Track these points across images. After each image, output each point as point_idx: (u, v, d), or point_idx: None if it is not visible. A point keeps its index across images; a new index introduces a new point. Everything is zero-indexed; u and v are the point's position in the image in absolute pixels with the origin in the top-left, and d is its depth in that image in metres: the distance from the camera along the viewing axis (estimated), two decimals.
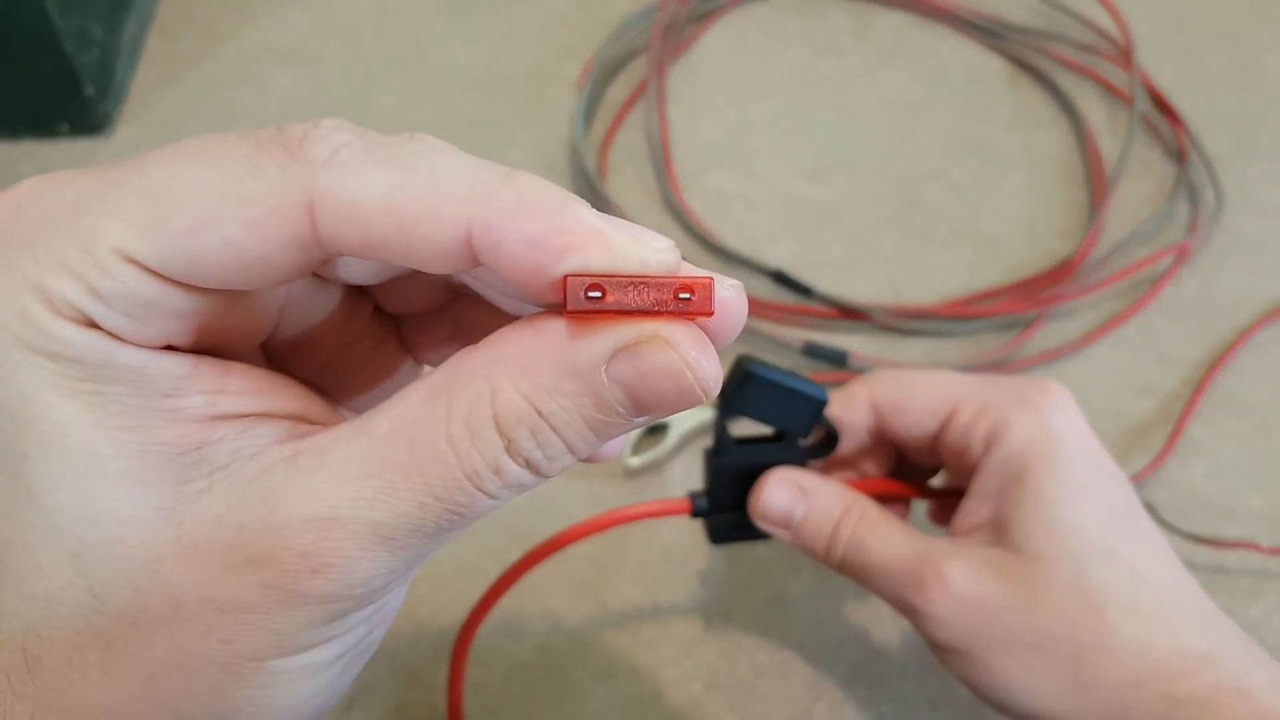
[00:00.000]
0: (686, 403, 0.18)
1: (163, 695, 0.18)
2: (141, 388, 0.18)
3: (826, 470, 0.35)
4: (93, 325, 0.17)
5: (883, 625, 0.39)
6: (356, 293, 0.23)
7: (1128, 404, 0.46)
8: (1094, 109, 0.58)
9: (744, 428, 0.33)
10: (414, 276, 0.23)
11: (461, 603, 0.35)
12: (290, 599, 0.18)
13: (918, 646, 0.38)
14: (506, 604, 0.35)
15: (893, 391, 0.33)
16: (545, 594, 0.39)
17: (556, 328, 0.17)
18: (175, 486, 0.18)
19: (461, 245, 0.17)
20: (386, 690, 0.37)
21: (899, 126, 0.57)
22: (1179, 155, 0.55)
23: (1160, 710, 0.27)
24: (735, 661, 0.38)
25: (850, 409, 0.34)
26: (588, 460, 0.21)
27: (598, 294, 0.17)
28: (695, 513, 0.34)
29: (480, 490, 0.18)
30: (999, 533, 0.30)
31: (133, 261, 0.17)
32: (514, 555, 0.33)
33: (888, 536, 0.31)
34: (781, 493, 0.32)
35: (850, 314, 0.48)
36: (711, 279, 0.18)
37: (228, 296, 0.18)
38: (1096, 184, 0.54)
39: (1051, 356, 0.47)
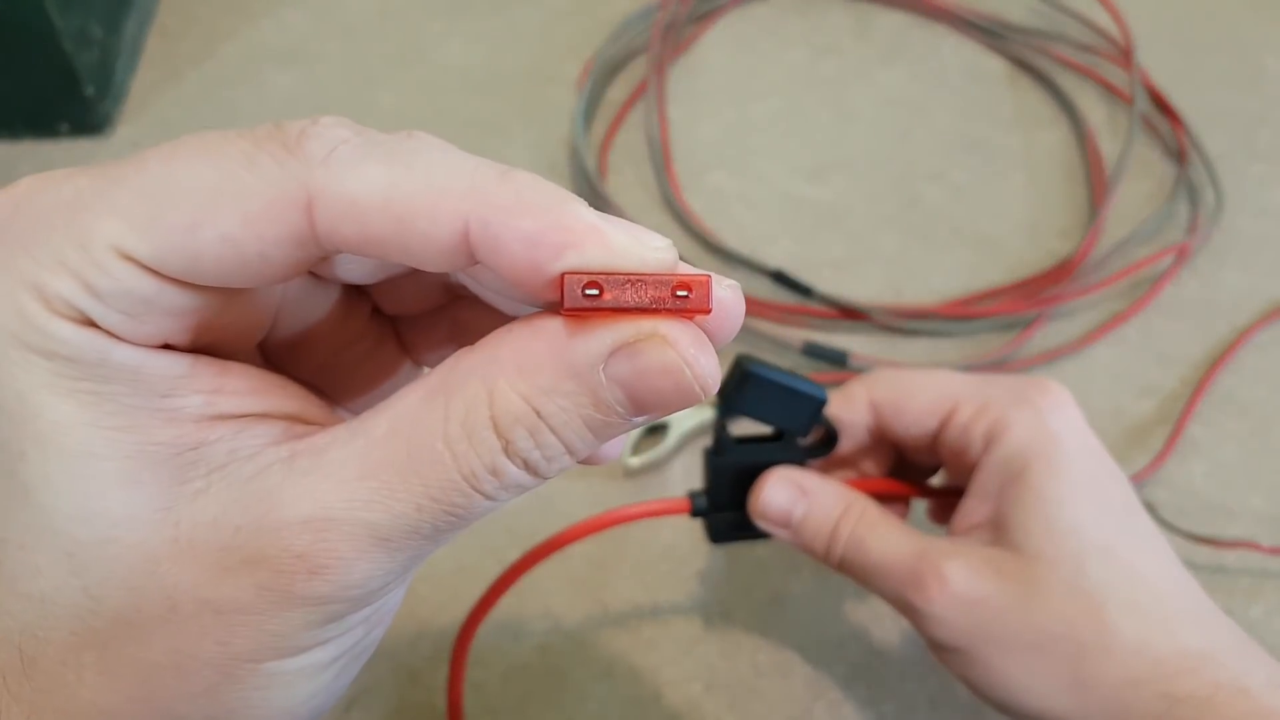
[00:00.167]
0: (685, 401, 0.18)
1: (159, 697, 0.18)
2: (138, 387, 0.18)
3: (826, 470, 0.35)
4: (90, 324, 0.17)
5: (882, 625, 0.39)
6: (354, 293, 0.23)
7: (1128, 404, 0.46)
8: (1094, 109, 0.58)
9: (744, 427, 0.33)
10: (412, 277, 0.22)
11: (461, 603, 0.35)
12: (286, 600, 0.18)
13: (917, 646, 0.38)
14: (506, 604, 0.35)
15: (892, 391, 0.33)
16: (545, 594, 0.39)
17: (554, 327, 0.17)
18: (171, 487, 0.18)
19: (459, 242, 0.17)
20: (386, 690, 0.37)
21: (899, 126, 0.57)
22: (1179, 155, 0.55)
23: (1160, 709, 0.27)
24: (735, 661, 0.38)
25: (850, 408, 0.33)
26: (587, 463, 0.21)
27: (595, 291, 0.17)
28: (695, 512, 0.34)
29: (478, 492, 0.18)
30: (998, 532, 0.30)
31: (130, 259, 0.17)
32: (514, 555, 0.33)
33: (887, 536, 0.31)
34: (781, 492, 0.32)
35: (850, 314, 0.48)
36: (709, 276, 0.17)
37: (225, 295, 0.18)
38: (1096, 184, 0.54)
39: (1051, 356, 0.47)
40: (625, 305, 0.17)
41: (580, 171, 0.53)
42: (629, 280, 0.17)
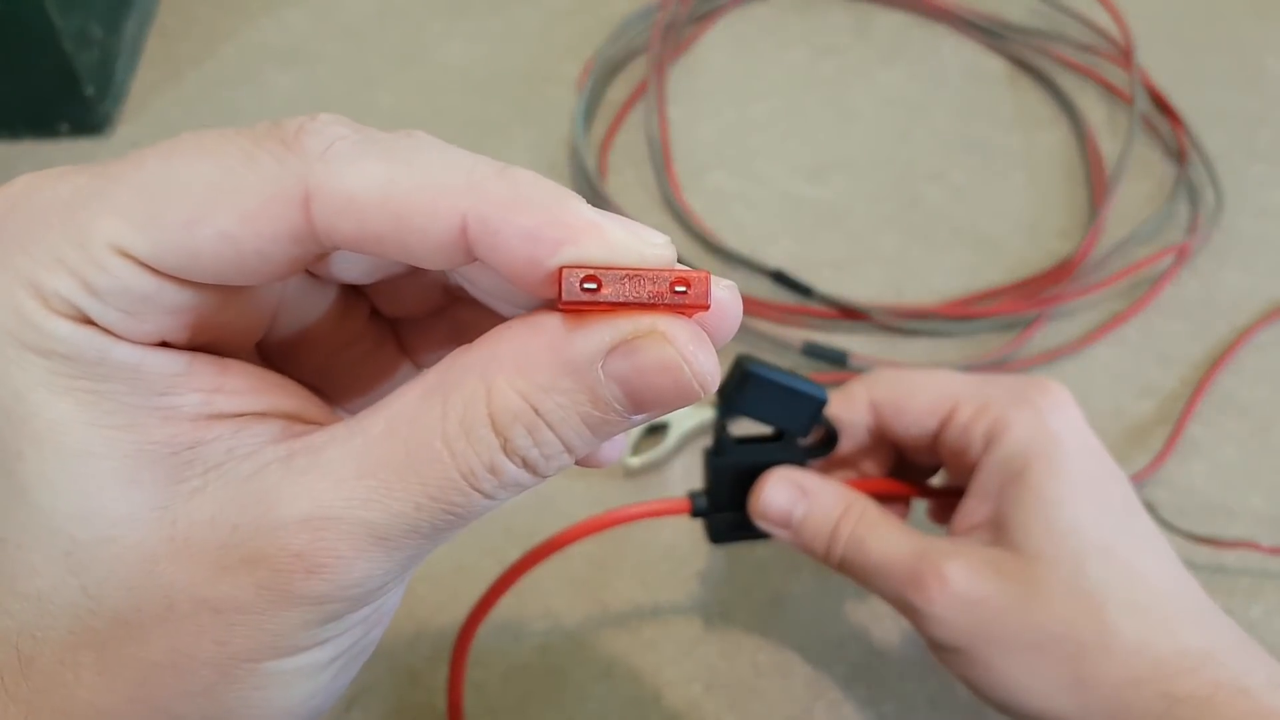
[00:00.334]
0: (684, 399, 0.18)
1: (157, 696, 0.18)
2: (136, 385, 0.18)
3: (826, 470, 0.35)
4: (88, 322, 0.17)
5: (882, 625, 0.39)
6: (353, 294, 0.23)
7: (1128, 404, 0.46)
8: (1094, 109, 0.58)
9: (744, 427, 0.33)
10: (410, 278, 0.22)
11: (461, 603, 0.35)
12: (285, 600, 0.17)
13: (917, 646, 0.38)
14: (506, 604, 0.35)
15: (892, 391, 0.33)
16: (545, 594, 0.39)
17: (553, 324, 0.17)
18: (169, 486, 0.18)
19: (457, 238, 0.17)
20: (386, 690, 0.37)
21: (899, 126, 0.57)
22: (1179, 155, 0.55)
23: (1160, 709, 0.27)
24: (735, 661, 0.38)
25: (850, 408, 0.33)
26: (588, 464, 0.21)
27: (593, 286, 0.17)
28: (695, 512, 0.34)
29: (476, 490, 0.18)
30: (998, 532, 0.30)
31: (128, 256, 0.17)
32: (513, 555, 0.33)
33: (887, 536, 0.31)
34: (781, 492, 0.32)
35: (850, 314, 0.48)
36: (708, 273, 0.17)
37: (223, 293, 0.18)
38: (1096, 184, 0.54)
39: (1051, 356, 0.47)
40: (623, 300, 0.17)
41: (580, 171, 0.53)
42: (627, 275, 0.17)
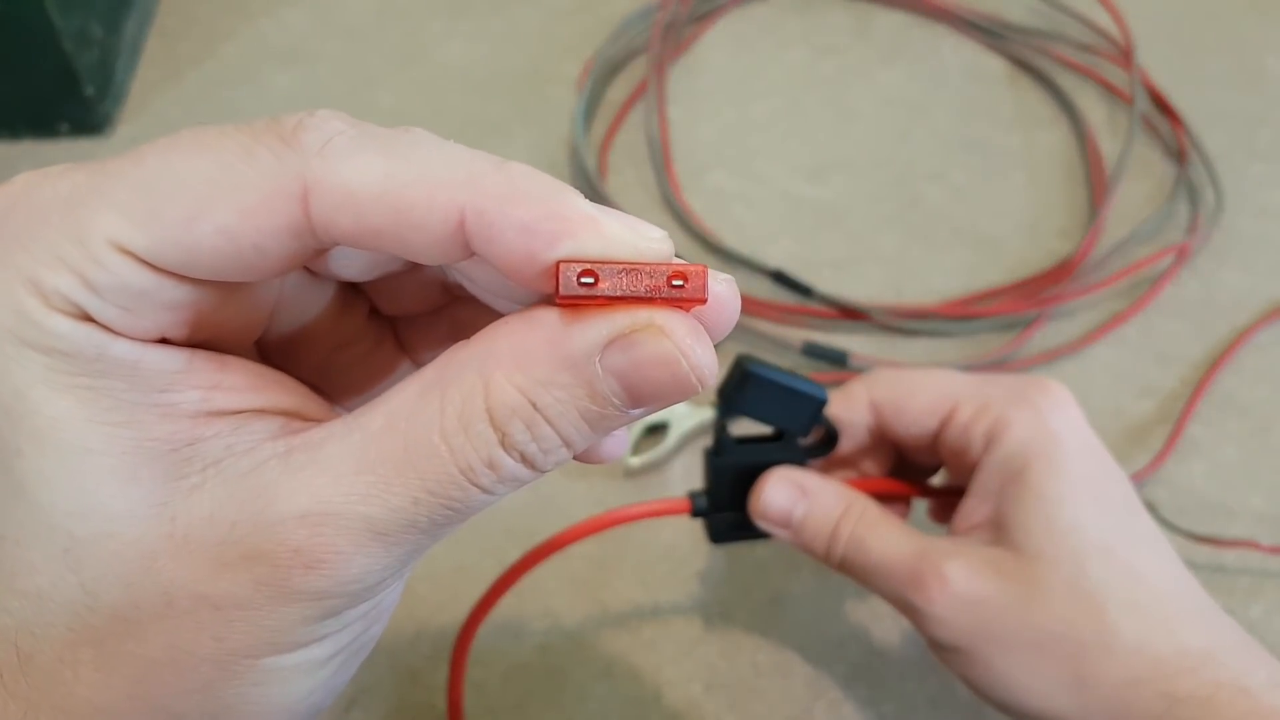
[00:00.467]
0: (682, 392, 0.17)
1: (156, 693, 0.18)
2: (135, 382, 0.18)
3: (826, 470, 0.35)
4: (87, 318, 0.17)
5: (883, 625, 0.39)
6: (351, 292, 0.23)
7: (1128, 404, 0.46)
8: (1094, 109, 0.58)
9: (744, 427, 0.33)
10: (408, 275, 0.22)
11: (461, 602, 0.35)
12: (284, 595, 0.17)
13: (918, 646, 0.38)
14: (506, 604, 0.35)
15: (892, 390, 0.33)
16: (545, 594, 0.39)
17: (550, 319, 0.17)
18: (168, 482, 0.18)
19: (454, 232, 0.17)
20: (386, 690, 0.37)
21: (899, 126, 0.57)
22: (1179, 155, 0.55)
23: (1160, 708, 0.27)
24: (735, 661, 0.38)
25: (850, 408, 0.33)
26: (589, 460, 0.21)
27: (590, 280, 0.17)
28: (695, 512, 0.34)
29: (475, 485, 0.18)
30: (999, 531, 0.30)
31: (127, 252, 0.17)
32: (514, 555, 0.33)
33: (887, 536, 0.31)
34: (781, 492, 0.32)
35: (850, 314, 0.48)
36: (705, 267, 0.17)
37: (222, 289, 0.18)
38: (1096, 184, 0.54)
39: (1051, 356, 0.47)
40: (620, 294, 0.17)
41: (580, 171, 0.53)
42: (624, 269, 0.17)
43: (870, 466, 0.35)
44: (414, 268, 0.22)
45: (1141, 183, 0.55)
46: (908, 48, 0.61)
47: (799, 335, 0.47)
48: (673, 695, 0.37)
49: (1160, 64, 0.59)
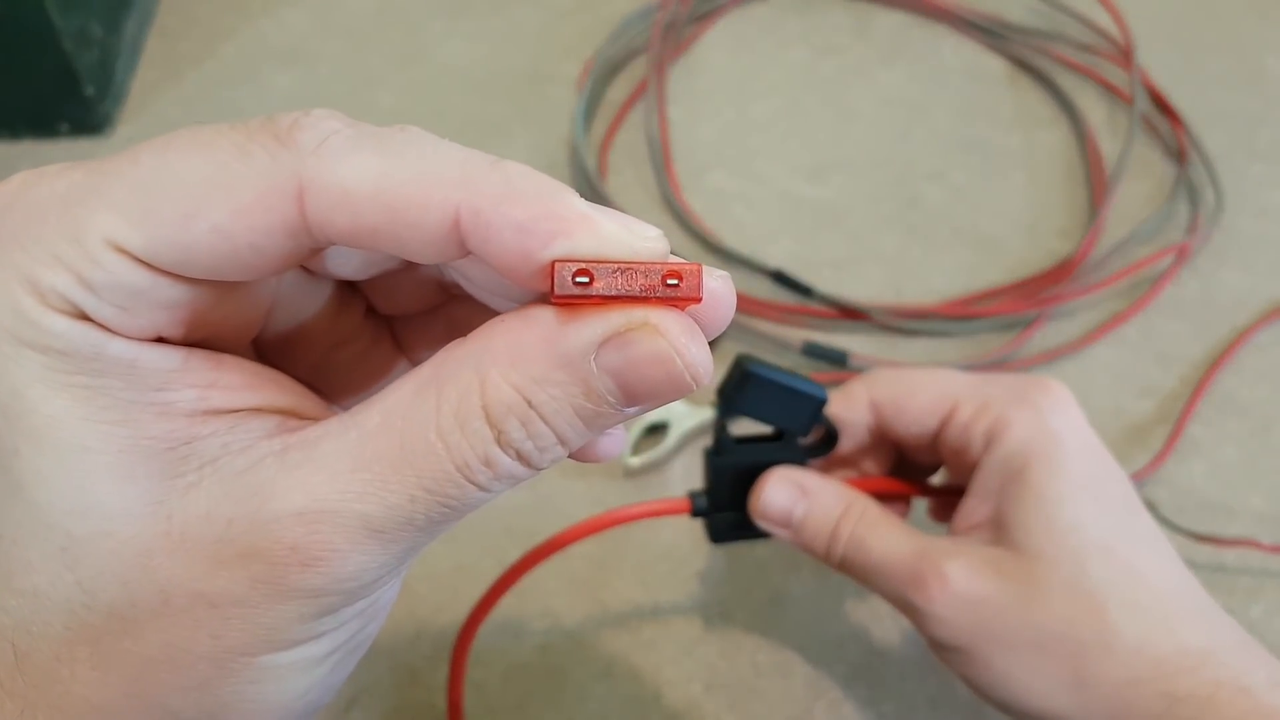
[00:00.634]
0: (677, 391, 0.18)
1: (152, 691, 0.18)
2: (132, 381, 0.18)
3: (826, 469, 0.35)
4: (84, 317, 0.17)
5: (882, 625, 0.39)
6: (348, 291, 0.23)
7: (1128, 404, 0.46)
8: (1094, 109, 0.58)
9: (744, 427, 0.33)
10: (405, 274, 0.22)
11: (461, 602, 0.35)
12: (280, 593, 0.18)
13: (918, 646, 0.38)
14: (506, 604, 0.35)
15: (892, 390, 0.33)
16: (545, 594, 0.39)
17: (546, 317, 0.17)
18: (164, 481, 0.18)
19: (450, 231, 0.17)
20: (386, 689, 0.37)
21: (899, 126, 0.57)
22: (1179, 155, 0.55)
23: (1160, 708, 0.27)
24: (735, 661, 0.38)
25: (850, 407, 0.33)
26: (586, 459, 0.21)
27: (585, 279, 0.17)
28: (695, 512, 0.34)
29: (471, 482, 0.18)
30: (999, 531, 0.30)
31: (123, 251, 0.17)
32: (514, 555, 0.33)
33: (888, 535, 0.31)
34: (781, 492, 0.32)
35: (850, 314, 0.48)
36: (700, 265, 0.17)
37: (219, 289, 0.18)
38: (1096, 184, 0.54)
39: (1051, 356, 0.47)
40: (615, 294, 0.17)
41: (580, 171, 0.53)
42: (619, 268, 0.17)
43: (870, 466, 0.35)
44: (410, 266, 0.22)
45: (1141, 183, 0.55)
46: (908, 48, 0.61)
47: (799, 335, 0.47)
48: (673, 695, 0.37)
49: (1160, 64, 0.59)
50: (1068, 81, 0.59)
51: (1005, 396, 0.31)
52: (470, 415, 0.17)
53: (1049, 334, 0.48)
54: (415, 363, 0.25)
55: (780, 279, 0.49)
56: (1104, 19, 0.61)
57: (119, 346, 0.17)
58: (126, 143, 0.54)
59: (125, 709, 0.18)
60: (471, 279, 0.21)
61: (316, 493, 0.17)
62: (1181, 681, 0.27)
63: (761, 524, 0.33)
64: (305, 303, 0.22)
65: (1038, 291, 0.49)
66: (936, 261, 0.51)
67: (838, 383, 0.37)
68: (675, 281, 0.17)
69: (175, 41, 0.59)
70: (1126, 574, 0.29)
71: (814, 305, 0.48)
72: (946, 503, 0.35)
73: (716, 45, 0.61)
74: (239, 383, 0.19)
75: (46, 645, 0.18)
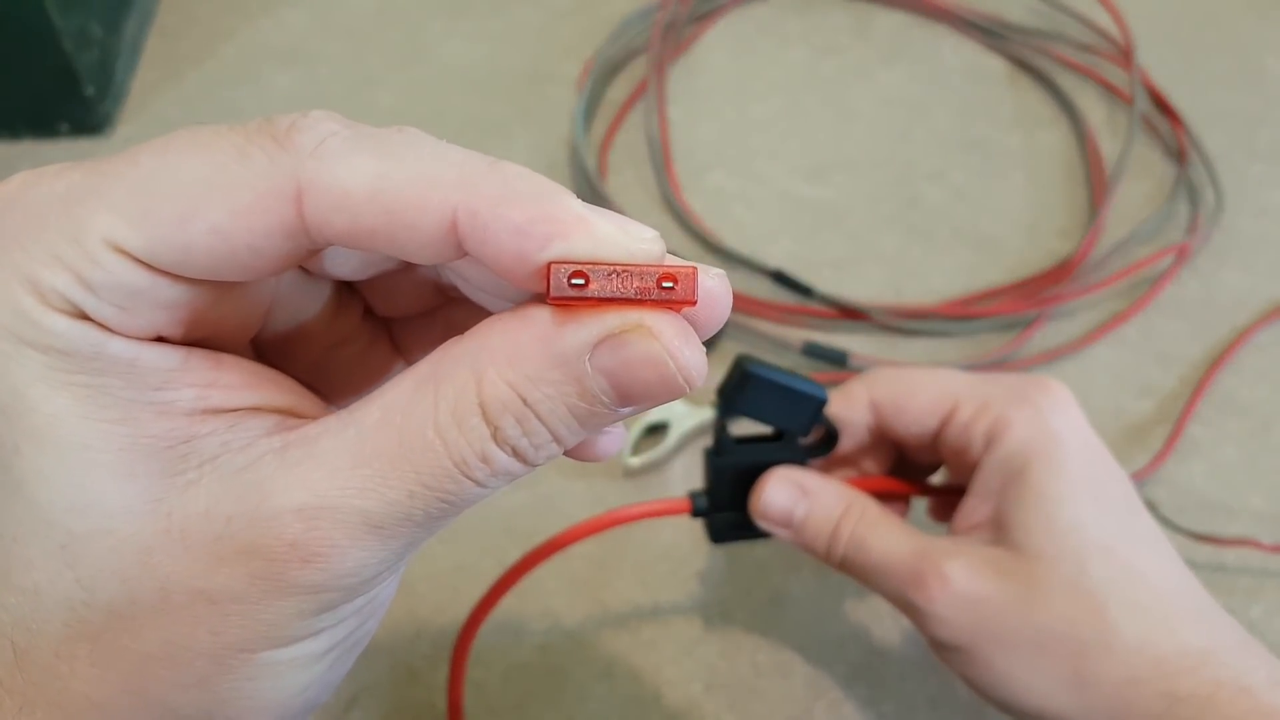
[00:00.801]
0: (670, 393, 0.18)
1: (151, 688, 0.18)
2: (132, 380, 0.18)
3: (826, 469, 0.35)
4: (84, 317, 0.17)
5: (883, 625, 0.39)
6: (347, 292, 0.23)
7: (1128, 404, 0.46)
8: (1094, 109, 0.58)
9: (744, 427, 0.33)
10: (403, 275, 0.23)
11: (461, 602, 0.35)
12: (279, 589, 0.18)
13: (918, 646, 0.38)
14: (506, 604, 0.35)
15: (892, 390, 0.33)
16: (545, 594, 0.39)
17: (542, 317, 0.18)
18: (164, 479, 0.18)
19: (447, 232, 0.17)
20: (387, 689, 0.37)
21: (899, 126, 0.57)
22: (1179, 155, 0.55)
23: (1160, 708, 0.27)
24: (735, 661, 0.38)
25: (850, 407, 0.33)
26: (585, 457, 0.21)
27: (581, 281, 0.17)
28: (695, 512, 0.34)
29: (469, 478, 0.18)
30: (999, 531, 0.30)
31: (122, 252, 0.17)
32: (514, 555, 0.33)
33: (888, 535, 0.31)
34: (782, 492, 0.32)
35: (850, 314, 0.48)
36: (695, 268, 0.18)
37: (218, 289, 0.18)
38: (1096, 184, 0.54)
39: (1051, 356, 0.47)
40: (610, 296, 0.17)
41: (580, 171, 0.53)
42: (615, 271, 0.17)
43: (870, 465, 0.35)
44: (408, 267, 0.22)
45: (1141, 183, 0.55)
46: (908, 48, 0.61)
47: (799, 335, 0.47)
48: (673, 695, 0.37)
49: (1160, 64, 0.59)
50: (1068, 81, 0.59)
51: (1006, 396, 0.31)
52: (467, 413, 0.17)
53: (1049, 334, 0.48)
54: (412, 364, 0.25)
55: (780, 279, 0.49)
56: (1104, 19, 0.61)
57: (119, 346, 0.18)
58: (126, 143, 0.54)
59: (124, 706, 0.18)
60: (469, 280, 0.21)
61: (316, 489, 0.17)
62: (1182, 681, 0.27)
63: (762, 524, 0.33)
64: (304, 303, 0.22)
65: (1038, 291, 0.49)
66: (936, 261, 0.51)
67: (838, 383, 0.37)
68: (670, 284, 0.17)
69: (175, 41, 0.59)
70: (1127, 574, 0.29)
71: (814, 305, 0.48)
72: (946, 502, 0.35)
73: (716, 45, 0.61)
74: (238, 382, 0.19)
75: (46, 643, 0.18)
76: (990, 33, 0.61)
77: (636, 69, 0.59)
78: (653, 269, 0.17)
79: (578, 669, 0.37)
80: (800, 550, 0.33)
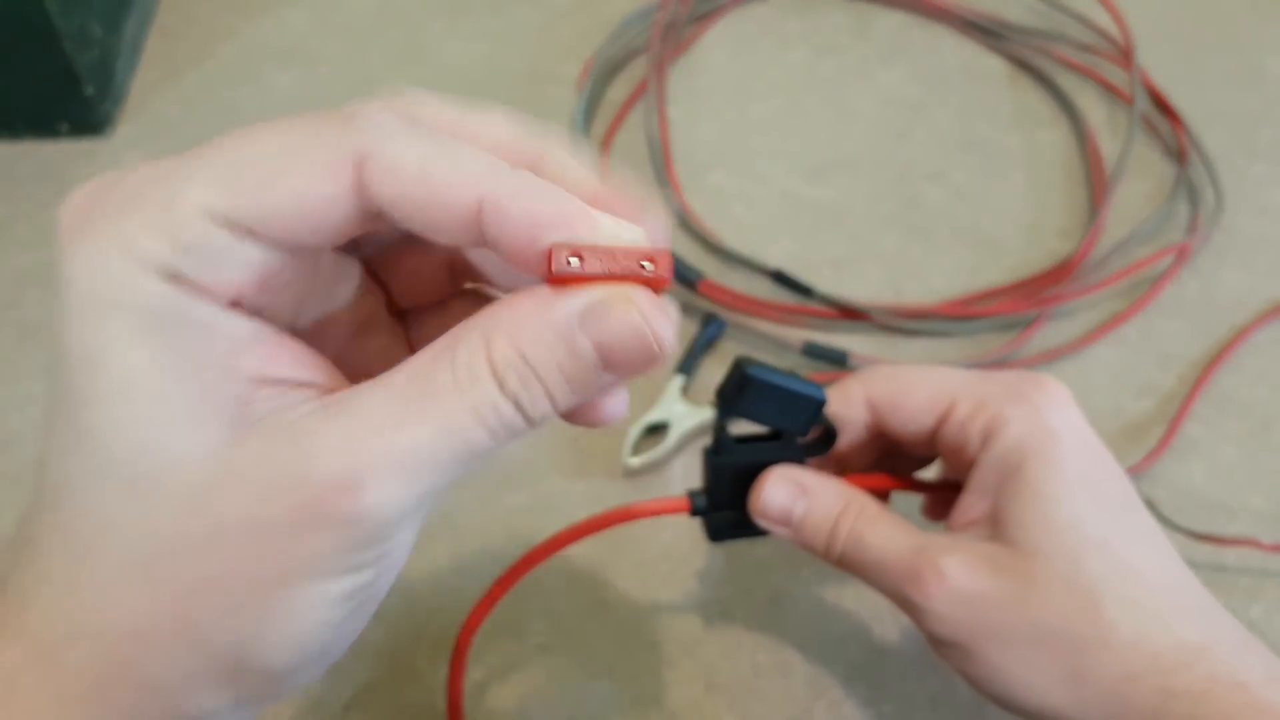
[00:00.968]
0: (645, 355, 0.21)
1: (193, 614, 0.20)
2: (207, 343, 0.20)
3: (823, 466, 0.35)
4: (174, 280, 0.20)
5: (883, 624, 0.39)
6: (371, 284, 0.26)
7: (1128, 403, 0.46)
8: (1094, 109, 0.58)
9: (743, 426, 0.33)
10: (422, 258, 0.26)
11: (461, 602, 0.35)
12: (319, 521, 0.20)
13: (918, 645, 0.38)
14: (506, 603, 0.35)
15: (889, 388, 0.33)
16: (545, 594, 0.39)
17: (542, 293, 0.21)
18: (224, 430, 0.20)
19: (473, 216, 0.20)
20: (387, 689, 0.37)
21: (899, 126, 0.57)
22: (1179, 155, 0.55)
23: (1156, 703, 0.27)
24: (735, 661, 0.38)
25: (847, 405, 0.34)
26: (590, 421, 0.24)
27: (576, 260, 0.20)
28: (694, 511, 0.34)
29: (482, 425, 0.21)
30: (996, 528, 0.30)
31: (213, 216, 0.20)
32: (514, 555, 0.33)
33: (886, 532, 0.31)
34: (781, 491, 0.32)
35: (850, 314, 0.48)
36: (669, 251, 0.22)
37: (286, 258, 0.21)
38: (1096, 184, 0.54)
39: (1051, 356, 0.47)
40: (599, 274, 0.21)
41: None
42: (605, 252, 0.21)
43: (867, 462, 0.35)
44: (430, 251, 0.26)
45: (1141, 182, 0.55)
46: (908, 48, 0.61)
47: (799, 335, 0.47)
48: (673, 695, 0.37)
49: (1160, 64, 0.59)
50: (1068, 81, 0.59)
51: (1002, 394, 0.31)
52: (480, 369, 0.21)
53: (1049, 334, 0.48)
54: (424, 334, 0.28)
55: (780, 279, 0.49)
56: (1104, 19, 0.61)
57: (201, 310, 0.20)
58: (126, 143, 0.54)
59: (164, 633, 0.20)
60: (484, 265, 0.25)
61: (354, 434, 0.20)
62: (1177, 676, 0.27)
63: (762, 523, 0.33)
64: (338, 288, 0.25)
65: (1038, 291, 0.49)
66: (936, 261, 0.51)
67: (838, 383, 0.37)
68: (650, 264, 0.21)
69: (175, 41, 0.59)
70: (1123, 570, 0.29)
71: (814, 305, 0.48)
72: (940, 501, 0.35)
73: (716, 45, 0.61)
74: (290, 359, 0.22)
75: (99, 576, 0.20)
76: (990, 33, 0.62)
77: (636, 69, 0.59)
78: (636, 251, 0.21)
79: (578, 669, 0.37)
80: (800, 548, 0.33)
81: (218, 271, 0.20)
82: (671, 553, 0.40)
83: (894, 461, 0.35)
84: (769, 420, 0.32)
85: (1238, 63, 0.61)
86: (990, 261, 0.51)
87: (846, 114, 0.58)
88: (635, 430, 0.43)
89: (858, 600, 0.39)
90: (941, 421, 0.32)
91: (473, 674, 0.37)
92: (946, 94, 0.59)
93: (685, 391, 0.45)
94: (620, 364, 0.21)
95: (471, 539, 0.39)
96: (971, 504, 0.31)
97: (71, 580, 0.20)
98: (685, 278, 0.48)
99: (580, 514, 0.33)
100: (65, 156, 0.53)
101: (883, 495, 0.35)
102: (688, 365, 0.45)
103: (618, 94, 0.58)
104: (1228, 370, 0.47)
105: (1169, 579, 0.29)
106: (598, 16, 0.61)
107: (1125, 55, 0.58)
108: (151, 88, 0.57)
